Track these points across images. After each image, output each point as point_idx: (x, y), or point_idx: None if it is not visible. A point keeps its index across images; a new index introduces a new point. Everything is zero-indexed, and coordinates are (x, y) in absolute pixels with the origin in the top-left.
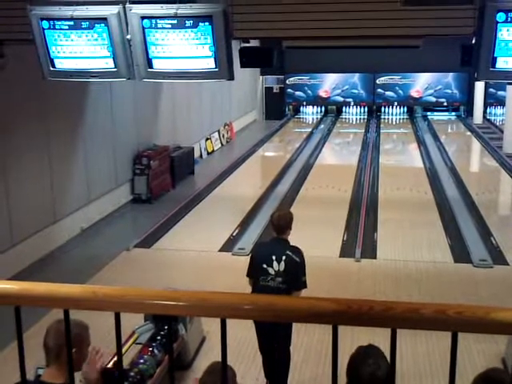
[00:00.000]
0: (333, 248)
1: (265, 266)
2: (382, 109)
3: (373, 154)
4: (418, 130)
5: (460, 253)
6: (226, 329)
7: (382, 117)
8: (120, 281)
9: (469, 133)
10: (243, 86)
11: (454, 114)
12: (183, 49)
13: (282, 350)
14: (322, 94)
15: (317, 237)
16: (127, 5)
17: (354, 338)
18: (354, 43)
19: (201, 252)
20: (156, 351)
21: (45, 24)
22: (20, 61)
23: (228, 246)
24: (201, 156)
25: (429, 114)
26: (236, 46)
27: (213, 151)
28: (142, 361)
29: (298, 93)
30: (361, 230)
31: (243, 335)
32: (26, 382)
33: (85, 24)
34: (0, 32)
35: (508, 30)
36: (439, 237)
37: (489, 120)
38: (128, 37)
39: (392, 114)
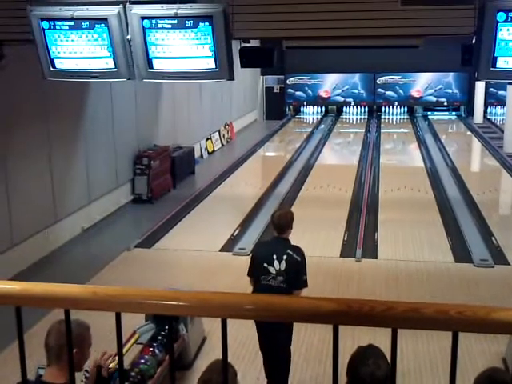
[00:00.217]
0: (333, 248)
1: (266, 265)
2: (383, 109)
3: (373, 153)
4: (418, 130)
5: (461, 252)
6: (227, 329)
7: (383, 117)
8: (121, 281)
9: (469, 132)
10: (243, 86)
11: (454, 113)
12: (183, 49)
13: (283, 350)
14: (323, 93)
15: (317, 237)
16: (127, 5)
17: (354, 337)
18: (354, 43)
19: (201, 252)
20: (157, 351)
21: (45, 24)
22: (20, 61)
23: (228, 246)
24: (201, 156)
25: (429, 113)
26: (236, 46)
27: (213, 151)
28: (142, 361)
29: (298, 93)
30: (361, 229)
31: (244, 335)
32: (26, 381)
33: (85, 24)
34: (0, 32)
35: (508, 30)
36: (440, 237)
37: (489, 120)
38: (128, 37)
39: (392, 114)
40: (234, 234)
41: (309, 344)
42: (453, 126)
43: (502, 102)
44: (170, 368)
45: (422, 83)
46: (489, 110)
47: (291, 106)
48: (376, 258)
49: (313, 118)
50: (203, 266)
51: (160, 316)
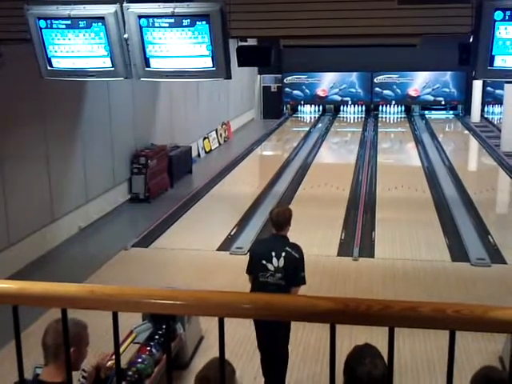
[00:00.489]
0: (330, 247)
1: (264, 262)
2: (380, 107)
3: (370, 152)
4: (415, 129)
5: (458, 251)
6: (224, 328)
7: (380, 116)
8: (118, 280)
9: (466, 131)
10: (241, 85)
11: (451, 112)
12: (180, 48)
13: (281, 348)
14: (320, 92)
15: (314, 236)
16: (124, 4)
17: (352, 336)
18: (351, 42)
19: (199, 251)
20: (154, 350)
21: (42, 23)
22: (17, 60)
23: (226, 245)
24: (198, 155)
25: (426, 112)
26: (233, 44)
27: (210, 150)
28: (139, 360)
29: (295, 92)
30: (358, 228)
31: (241, 334)
32: (24, 381)
33: (82, 23)
34: None
35: (506, 29)
36: (437, 235)
37: (486, 119)
38: (125, 36)
39: (390, 113)
40: (232, 233)
41: (306, 343)
42: (450, 125)
43: (499, 100)
44: (167, 367)
45: (419, 82)
46: (486, 108)
47: (288, 105)
48: (373, 256)
49: (310, 117)
50: (200, 265)
51: (157, 315)
